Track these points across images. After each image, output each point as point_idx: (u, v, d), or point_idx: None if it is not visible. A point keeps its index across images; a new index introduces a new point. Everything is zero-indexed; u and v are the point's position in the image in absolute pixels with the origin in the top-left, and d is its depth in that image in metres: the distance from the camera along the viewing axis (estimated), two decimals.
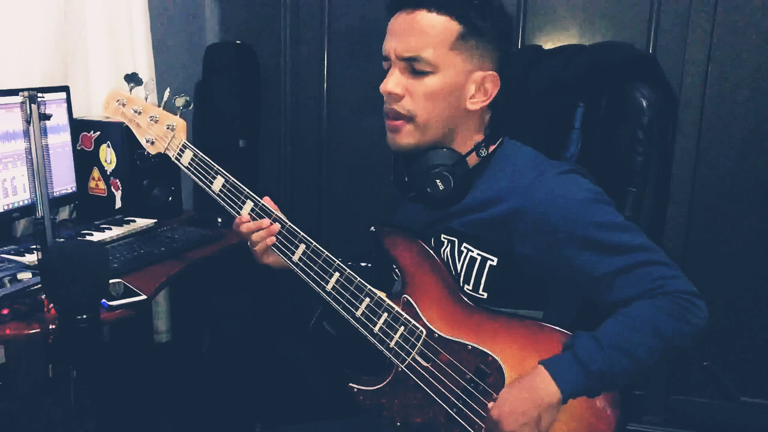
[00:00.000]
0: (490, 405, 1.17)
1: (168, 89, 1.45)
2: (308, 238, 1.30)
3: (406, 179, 1.28)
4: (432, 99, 1.21)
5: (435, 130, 1.23)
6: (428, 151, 1.24)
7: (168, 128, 1.41)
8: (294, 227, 1.31)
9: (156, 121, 1.42)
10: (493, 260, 1.22)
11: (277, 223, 1.31)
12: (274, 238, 1.31)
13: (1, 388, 1.79)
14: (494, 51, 1.23)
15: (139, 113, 1.43)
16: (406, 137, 1.24)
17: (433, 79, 1.20)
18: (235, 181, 1.36)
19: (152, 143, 1.42)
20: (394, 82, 1.22)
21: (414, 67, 1.20)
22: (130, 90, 1.46)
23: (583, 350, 1.11)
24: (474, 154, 1.26)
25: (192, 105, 1.45)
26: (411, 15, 1.19)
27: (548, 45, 1.57)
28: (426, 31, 1.18)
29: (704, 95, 2.25)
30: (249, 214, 1.33)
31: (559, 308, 1.24)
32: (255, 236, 1.32)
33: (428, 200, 1.25)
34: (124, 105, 1.45)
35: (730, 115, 2.26)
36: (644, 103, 1.32)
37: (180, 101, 1.43)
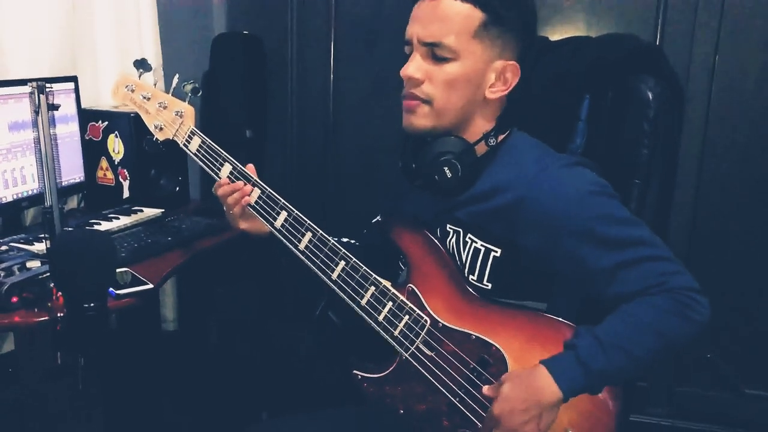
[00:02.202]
0: (485, 389, 1.18)
1: (177, 75, 1.45)
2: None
3: (414, 166, 1.29)
4: (451, 86, 1.21)
5: (451, 116, 1.23)
6: (437, 138, 1.25)
7: (176, 114, 1.41)
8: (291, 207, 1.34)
9: (165, 107, 1.42)
10: (496, 251, 1.23)
11: (255, 187, 1.34)
12: (249, 198, 1.34)
13: (10, 375, 1.81)
14: (516, 41, 1.23)
15: (148, 99, 1.44)
16: (422, 119, 1.24)
17: (454, 66, 1.20)
18: (243, 168, 1.37)
19: (161, 129, 1.43)
20: (414, 66, 1.22)
21: (435, 53, 1.20)
22: (139, 76, 1.46)
23: (585, 350, 1.11)
24: (483, 143, 1.26)
25: (201, 92, 1.46)
26: (435, 1, 1.19)
27: (555, 36, 1.57)
28: (449, 18, 1.18)
29: (711, 87, 2.24)
30: (257, 201, 1.35)
31: (562, 300, 1.24)
32: (230, 199, 1.35)
33: (436, 188, 1.25)
34: (133, 91, 1.45)
35: (737, 107, 2.25)
36: (650, 96, 1.32)
37: (188, 87, 1.43)
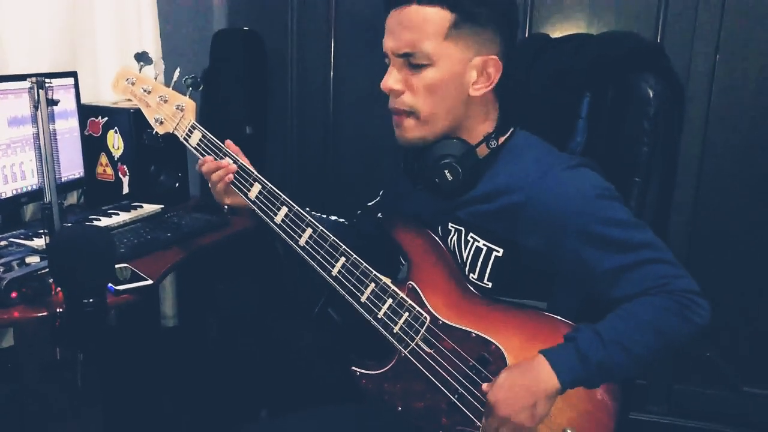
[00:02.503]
0: (484, 386, 1.18)
1: (178, 69, 1.45)
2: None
3: (416, 168, 1.29)
4: (432, 91, 1.21)
5: (440, 121, 1.23)
6: (438, 142, 1.24)
7: (177, 108, 1.41)
8: (276, 190, 1.35)
9: (165, 101, 1.42)
10: (498, 251, 1.22)
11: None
12: (232, 176, 1.35)
13: (9, 371, 1.81)
14: (493, 35, 1.21)
15: (149, 92, 1.43)
16: (411, 131, 1.24)
17: (431, 72, 1.20)
18: (243, 163, 1.37)
19: (161, 123, 1.42)
20: (393, 78, 1.22)
21: (411, 62, 1.20)
22: (140, 69, 1.46)
23: (585, 342, 1.11)
24: (484, 144, 1.26)
25: (201, 86, 1.45)
26: (404, 11, 1.19)
27: (556, 34, 1.57)
28: (418, 25, 1.18)
29: (711, 86, 2.24)
30: (257, 196, 1.34)
31: (563, 300, 1.24)
32: (214, 176, 1.37)
33: (437, 191, 1.25)
34: (133, 84, 1.45)
35: (738, 106, 2.25)
36: (650, 94, 1.32)
37: (189, 81, 1.43)
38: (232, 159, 1.37)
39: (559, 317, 1.20)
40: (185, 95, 1.42)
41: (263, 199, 1.34)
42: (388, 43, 1.22)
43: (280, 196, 1.33)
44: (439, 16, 1.17)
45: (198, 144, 1.40)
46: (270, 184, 1.35)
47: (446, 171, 1.22)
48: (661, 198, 1.35)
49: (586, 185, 1.18)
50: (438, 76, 1.20)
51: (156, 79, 1.46)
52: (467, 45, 1.20)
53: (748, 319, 2.33)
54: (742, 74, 2.23)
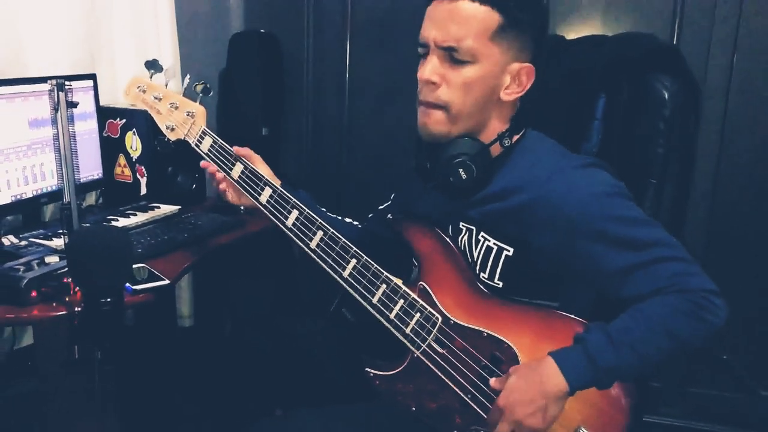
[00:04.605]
0: (492, 381, 1.18)
1: (188, 76, 1.46)
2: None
3: (428, 167, 1.29)
4: (468, 89, 1.20)
5: (467, 120, 1.23)
6: (452, 140, 1.24)
7: (188, 115, 1.43)
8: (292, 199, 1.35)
9: (176, 108, 1.44)
10: (509, 251, 1.23)
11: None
12: (224, 186, 1.44)
13: (29, 368, 1.84)
14: (531, 43, 1.22)
15: (160, 100, 1.45)
16: (438, 125, 1.24)
17: (471, 69, 1.20)
18: (254, 167, 1.39)
19: (172, 129, 1.44)
20: (431, 69, 1.21)
21: (453, 56, 1.20)
22: (151, 77, 1.48)
23: (593, 344, 1.11)
24: (497, 143, 1.26)
25: (212, 92, 1.47)
26: (453, 3, 1.19)
27: (571, 35, 1.56)
28: (467, 21, 1.18)
29: (729, 87, 2.22)
30: (268, 200, 1.36)
31: (574, 300, 1.24)
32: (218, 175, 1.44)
33: (450, 189, 1.25)
34: (144, 91, 1.47)
35: (755, 107, 2.23)
36: (666, 95, 1.31)
37: (199, 87, 1.44)
38: (242, 163, 1.38)
39: (571, 316, 1.19)
40: (196, 101, 1.44)
41: (273, 203, 1.36)
42: (431, 33, 1.21)
43: (291, 199, 1.34)
44: (489, 16, 1.18)
45: (209, 150, 1.41)
46: (281, 189, 1.36)
47: (461, 169, 1.22)
48: (676, 199, 1.34)
49: (597, 184, 1.17)
50: (477, 74, 1.20)
51: (167, 86, 1.47)
52: (508, 49, 1.20)
53: (765, 322, 2.31)
54: (760, 73, 2.21)
